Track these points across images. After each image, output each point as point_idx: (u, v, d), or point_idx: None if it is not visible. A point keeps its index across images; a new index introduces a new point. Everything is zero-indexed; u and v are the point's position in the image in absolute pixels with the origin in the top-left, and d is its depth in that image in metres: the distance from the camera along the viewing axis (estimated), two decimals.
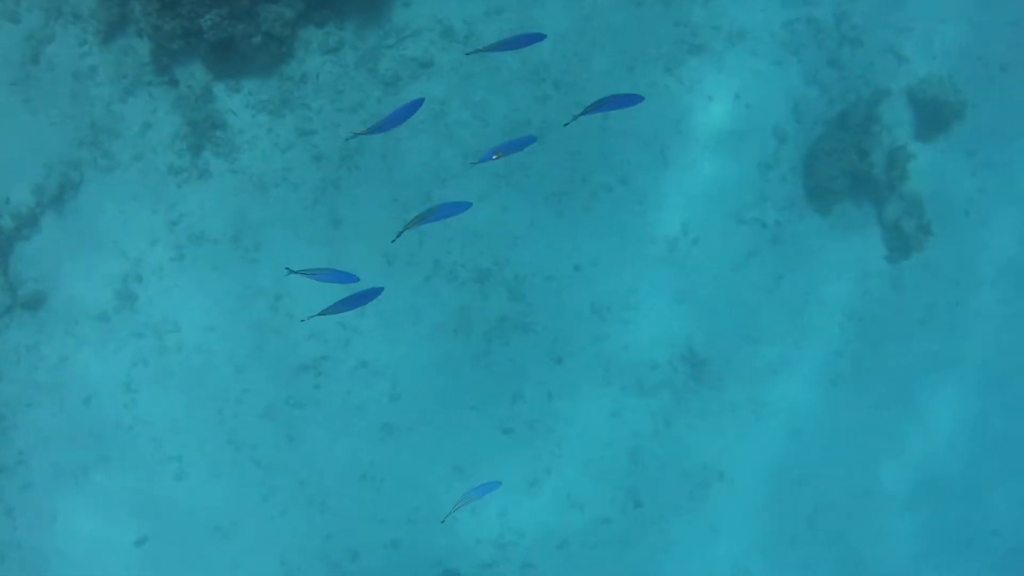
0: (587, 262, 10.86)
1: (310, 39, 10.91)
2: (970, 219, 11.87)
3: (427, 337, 10.79)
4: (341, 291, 6.08)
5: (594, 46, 11.05)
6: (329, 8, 10.90)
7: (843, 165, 11.18)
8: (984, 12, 11.83)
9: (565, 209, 10.88)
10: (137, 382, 10.66)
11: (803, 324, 11.42)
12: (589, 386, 11.10)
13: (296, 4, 10.71)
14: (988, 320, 12.05)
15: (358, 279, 5.84)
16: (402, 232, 6.05)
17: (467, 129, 10.86)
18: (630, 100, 5.72)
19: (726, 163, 11.10)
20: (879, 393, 11.79)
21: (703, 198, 11.07)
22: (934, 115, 11.64)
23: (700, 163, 11.07)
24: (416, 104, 6.04)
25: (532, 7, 11.04)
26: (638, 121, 11.02)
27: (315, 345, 10.81)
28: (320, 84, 10.86)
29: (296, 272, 6.08)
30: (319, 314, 5.88)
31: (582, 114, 5.54)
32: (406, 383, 10.88)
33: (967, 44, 11.89)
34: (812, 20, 11.48)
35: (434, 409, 10.94)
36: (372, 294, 5.80)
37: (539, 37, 6.06)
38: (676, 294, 11.03)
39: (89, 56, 10.97)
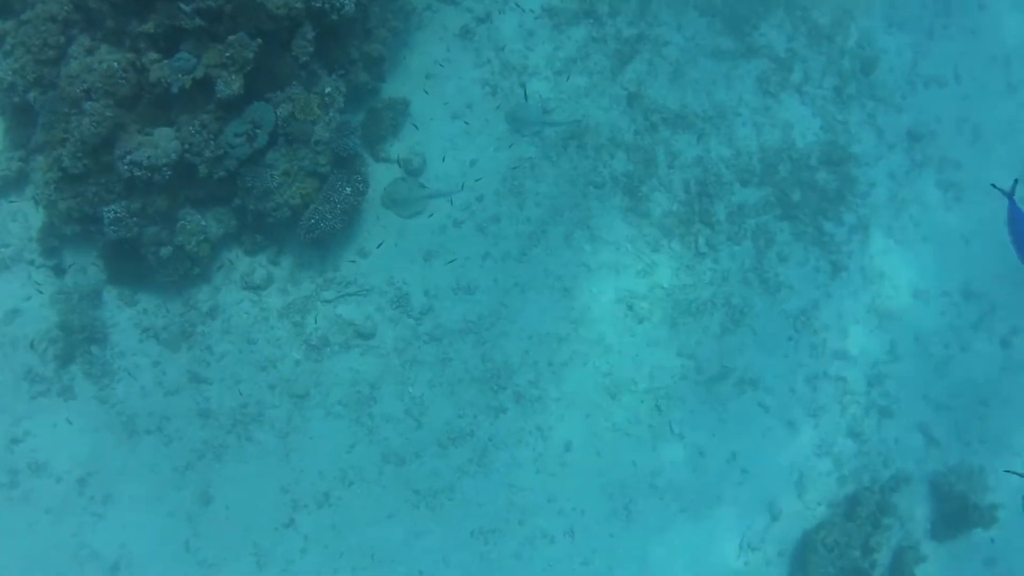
0: None
1: (234, 266, 8.35)
2: None
3: None
4: None
5: (574, 360, 8.52)
6: (266, 235, 8.38)
7: (842, 562, 8.58)
8: None
9: (491, 551, 8.27)
10: None
11: None
12: None
13: (227, 220, 8.22)
14: None
15: None
16: None
17: (394, 428, 8.30)
18: None
19: (702, 533, 8.52)
20: None
21: (665, 570, 8.52)
22: (958, 514, 9.18)
23: (671, 528, 8.52)
24: None
25: (510, 295, 8.49)
26: (604, 462, 8.43)
27: None
28: (234, 324, 8.24)
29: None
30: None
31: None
32: None
33: (1008, 432, 9.41)
34: (841, 379, 9.02)
35: None
36: None
37: None
38: None
39: None
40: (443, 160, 8.62)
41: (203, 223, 8.08)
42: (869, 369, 9.10)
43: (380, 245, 8.39)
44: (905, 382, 9.19)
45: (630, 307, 8.66)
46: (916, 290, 9.37)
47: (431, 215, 8.56)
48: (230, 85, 7.50)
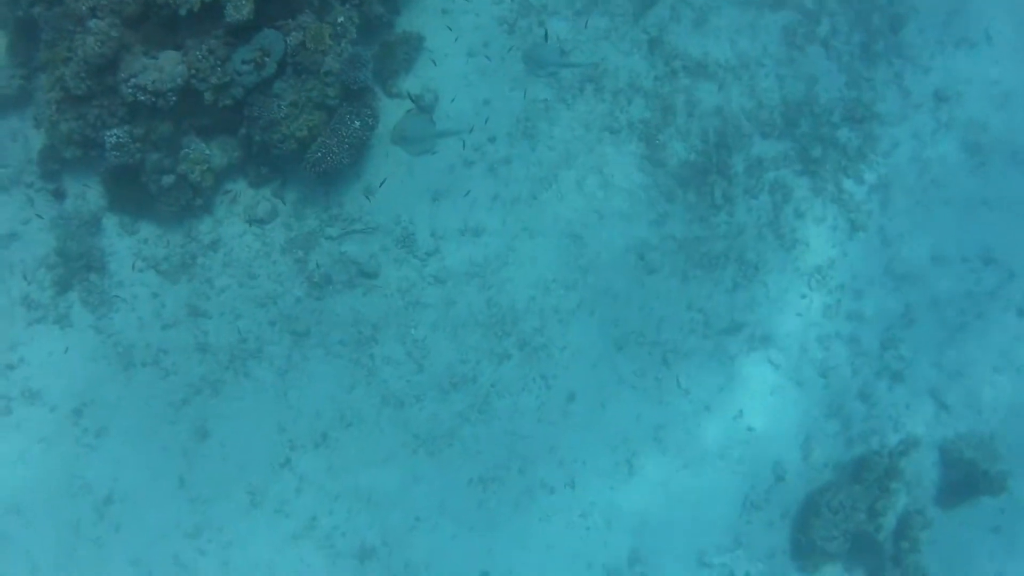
0: (499, 572, 7.93)
1: (237, 198, 8.06)
2: None
3: None
4: None
5: (582, 309, 8.24)
6: (271, 167, 8.09)
7: (846, 525, 8.32)
8: None
9: (489, 499, 8.03)
10: None
11: None
12: None
13: (232, 150, 7.93)
14: None
15: None
16: None
17: (395, 370, 8.04)
18: None
19: (704, 490, 8.31)
20: None
21: (665, 526, 8.27)
22: (965, 481, 8.92)
23: (672, 483, 8.27)
24: None
25: (518, 239, 8.20)
26: (608, 414, 8.16)
27: (136, 573, 7.81)
28: (235, 258, 7.97)
29: None
30: None
31: None
32: None
33: (1020, 402, 9.10)
34: (855, 340, 8.73)
35: None
36: None
37: None
38: None
39: None
40: (452, 100, 8.27)
41: (207, 152, 7.79)
42: (883, 332, 8.78)
43: (383, 183, 8.07)
44: (919, 347, 8.87)
45: (641, 257, 8.35)
46: (935, 254, 9.02)
47: (434, 153, 8.20)
48: (240, 10, 7.18)
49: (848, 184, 8.85)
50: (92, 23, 7.24)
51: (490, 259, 8.15)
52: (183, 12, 7.17)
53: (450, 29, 8.30)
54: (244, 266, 8.01)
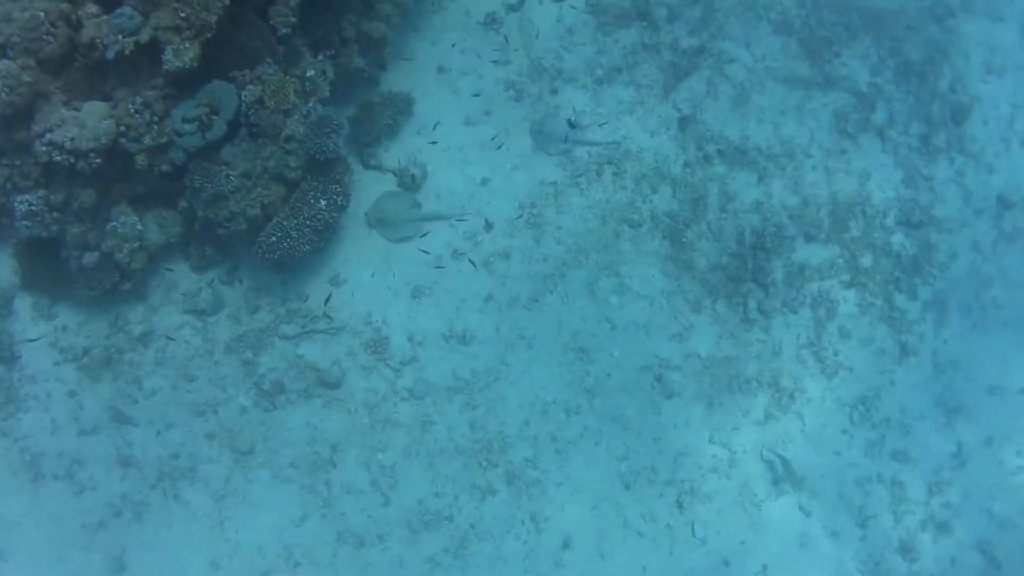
0: None
1: (176, 283, 6.16)
2: None
3: None
4: None
5: (585, 438, 6.37)
6: (218, 248, 6.18)
7: None
8: None
9: None
10: None
11: None
12: None
13: (171, 227, 6.07)
14: None
15: None
16: None
17: (356, 501, 6.16)
18: None
19: None
20: None
21: None
22: None
23: None
24: None
25: (513, 350, 6.37)
26: (609, 566, 6.30)
27: None
28: (170, 355, 6.05)
29: None
30: None
31: None
32: None
33: None
34: (898, 483, 6.86)
35: None
36: None
37: None
38: None
39: None
40: (427, 186, 6.37)
41: (140, 227, 5.92)
42: (931, 475, 6.95)
43: (328, 299, 6.16)
44: (969, 493, 7.05)
45: (659, 379, 6.48)
46: (992, 385, 7.21)
47: (418, 239, 6.34)
48: (181, 55, 5.38)
49: (900, 299, 7.02)
50: (1, 64, 5.39)
51: (478, 373, 6.26)
52: (110, 55, 5.36)
53: (456, 95, 6.41)
54: (180, 366, 6.10)
